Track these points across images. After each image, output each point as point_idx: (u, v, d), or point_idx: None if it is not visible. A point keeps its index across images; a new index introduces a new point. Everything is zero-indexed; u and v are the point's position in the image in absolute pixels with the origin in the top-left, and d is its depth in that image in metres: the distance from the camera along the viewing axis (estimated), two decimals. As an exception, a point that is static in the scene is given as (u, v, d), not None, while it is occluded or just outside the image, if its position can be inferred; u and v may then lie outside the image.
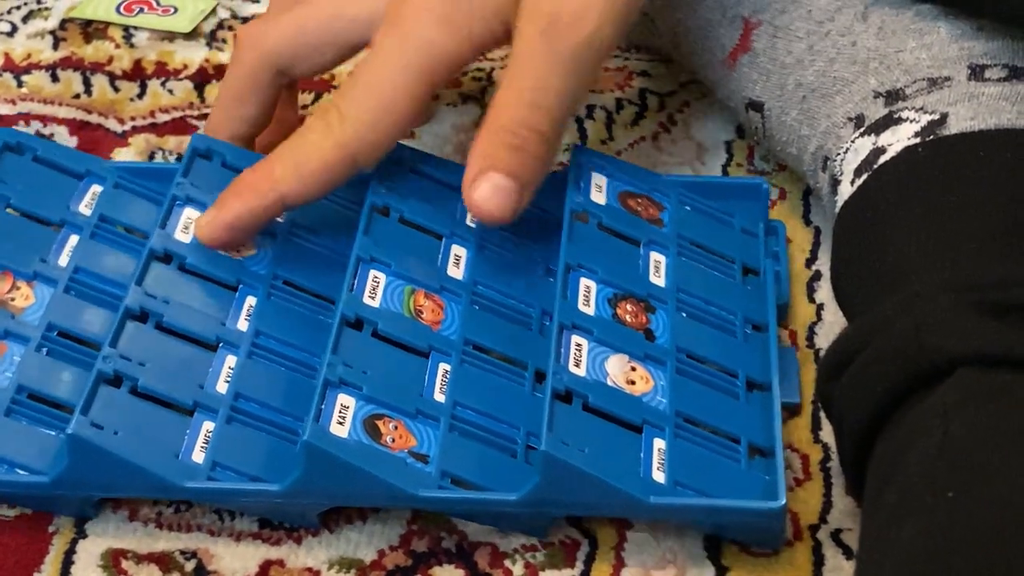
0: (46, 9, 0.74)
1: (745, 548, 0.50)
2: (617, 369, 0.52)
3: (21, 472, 0.51)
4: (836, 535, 0.51)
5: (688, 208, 0.59)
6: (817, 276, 0.59)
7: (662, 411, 0.51)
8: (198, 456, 0.50)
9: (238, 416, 0.51)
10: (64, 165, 0.60)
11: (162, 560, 0.51)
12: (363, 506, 0.51)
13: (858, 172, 0.53)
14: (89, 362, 0.53)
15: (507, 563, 0.50)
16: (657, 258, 0.56)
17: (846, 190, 0.54)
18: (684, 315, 0.55)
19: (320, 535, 0.51)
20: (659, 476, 0.49)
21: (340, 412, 0.50)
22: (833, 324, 0.56)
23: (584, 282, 0.54)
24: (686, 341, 0.54)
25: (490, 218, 0.53)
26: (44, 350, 0.54)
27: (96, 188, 0.60)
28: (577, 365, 0.51)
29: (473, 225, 0.58)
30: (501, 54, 0.70)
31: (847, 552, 0.50)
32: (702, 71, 0.63)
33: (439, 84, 0.55)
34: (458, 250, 0.57)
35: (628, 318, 0.54)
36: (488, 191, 0.53)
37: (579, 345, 0.52)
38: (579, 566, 0.50)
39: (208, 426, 0.51)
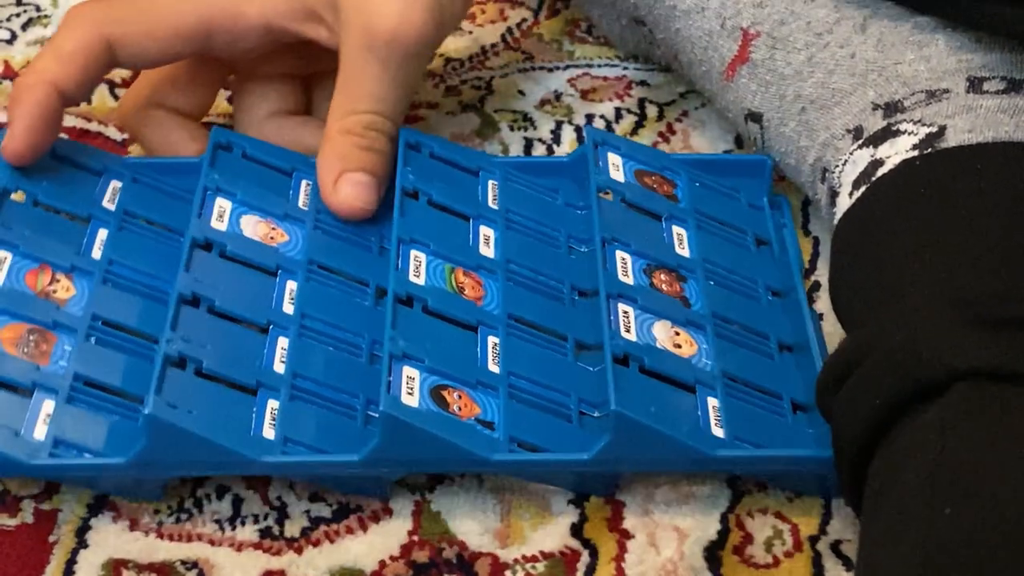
0: (45, 16, 0.74)
1: (745, 559, 0.51)
2: (663, 334, 0.54)
3: (88, 456, 0.51)
4: (836, 546, 0.51)
5: (698, 185, 0.61)
6: (816, 287, 0.60)
7: (710, 371, 0.53)
8: (268, 432, 0.51)
9: (299, 393, 0.52)
10: (83, 162, 0.60)
11: (163, 570, 0.50)
12: (436, 472, 0.53)
13: (856, 184, 0.53)
14: (136, 350, 0.54)
15: (508, 573, 0.50)
16: (679, 231, 0.59)
17: (844, 202, 0.54)
18: (712, 283, 0.57)
19: (321, 545, 0.51)
20: (718, 431, 0.51)
21: (407, 384, 0.51)
22: (832, 335, 0.56)
23: (620, 254, 0.57)
24: (718, 307, 0.56)
25: (355, 213, 0.58)
26: (92, 339, 0.54)
27: (116, 183, 0.60)
28: (628, 331, 0.53)
29: (497, 207, 0.60)
30: (500, 62, 0.72)
31: (847, 563, 0.51)
32: (701, 82, 0.63)
33: (216, 32, 0.59)
34: (486, 230, 0.58)
35: (664, 287, 0.56)
36: (351, 190, 0.58)
37: (626, 312, 0.54)
38: (579, 577, 0.51)
39: (273, 404, 0.52)
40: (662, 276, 0.57)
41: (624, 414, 0.49)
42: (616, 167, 0.61)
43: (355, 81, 0.58)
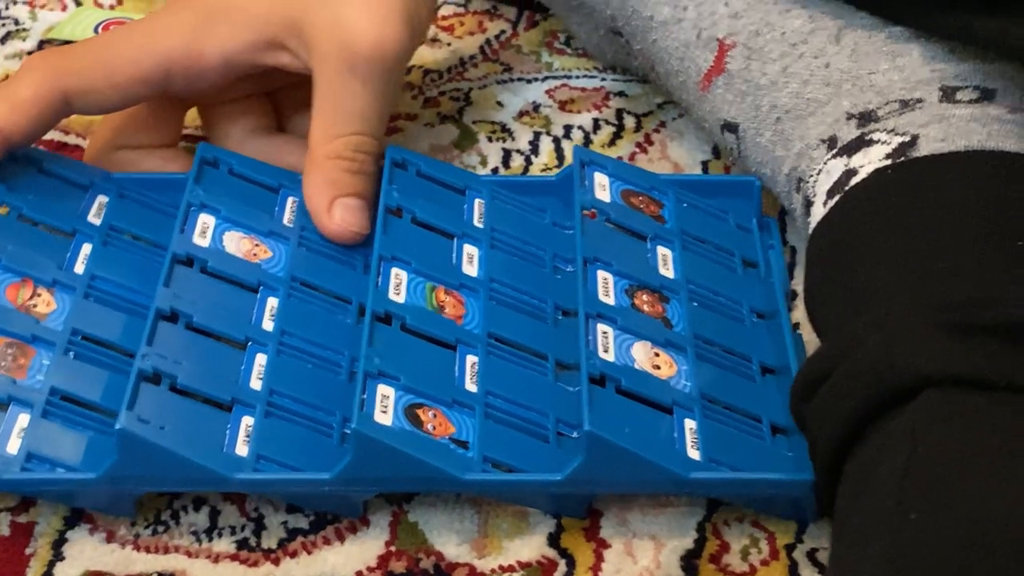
0: (24, 30, 0.74)
1: (722, 568, 0.51)
2: (642, 355, 0.54)
3: (61, 470, 0.51)
4: (812, 555, 0.51)
5: (685, 205, 0.61)
6: (792, 295, 0.60)
7: (688, 393, 0.53)
8: (241, 449, 0.51)
9: (275, 411, 0.52)
10: (70, 176, 0.61)
11: (140, 582, 0.51)
12: (409, 491, 0.52)
13: (830, 193, 0.54)
14: (115, 365, 0.54)
15: (485, 584, 0.51)
16: (664, 252, 0.59)
17: (819, 211, 0.54)
18: (696, 304, 0.57)
19: (298, 556, 0.51)
20: (694, 454, 0.51)
21: (382, 402, 0.51)
22: (808, 343, 0.56)
23: (601, 274, 0.56)
24: (701, 328, 0.56)
25: (352, 238, 0.58)
26: (71, 354, 0.54)
27: (102, 198, 0.60)
28: (606, 351, 0.53)
29: (482, 225, 0.59)
30: (479, 74, 0.72)
31: (823, 571, 0.51)
32: (678, 92, 0.63)
33: (175, 74, 0.59)
34: (470, 249, 0.58)
35: (646, 307, 0.56)
36: (347, 216, 0.58)
37: (605, 333, 0.54)
38: (557, 586, 0.51)
39: (248, 420, 0.52)
40: (644, 297, 0.56)
41: (597, 434, 0.49)
42: (603, 187, 0.60)
43: (336, 102, 0.58)
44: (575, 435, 0.52)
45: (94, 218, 0.59)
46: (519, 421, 0.52)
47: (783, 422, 0.53)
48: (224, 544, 0.52)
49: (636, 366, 0.53)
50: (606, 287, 0.56)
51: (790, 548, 0.51)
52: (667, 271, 0.58)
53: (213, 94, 0.61)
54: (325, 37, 0.57)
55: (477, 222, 0.60)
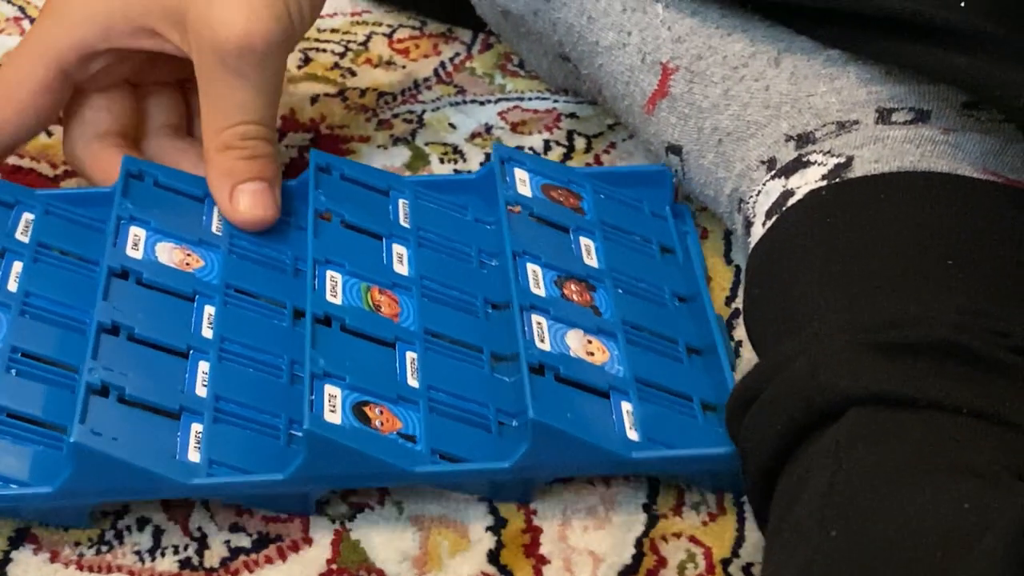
0: None
1: None
2: (576, 343, 0.56)
3: (14, 487, 0.51)
4: (747, 569, 0.52)
5: (603, 196, 0.63)
6: (736, 314, 0.61)
7: (623, 377, 0.55)
8: (193, 455, 0.52)
9: (222, 416, 0.53)
10: (-7, 195, 0.61)
11: (84, 602, 0.51)
12: (361, 487, 0.54)
13: (769, 214, 0.54)
14: (57, 380, 0.54)
15: (428, 602, 0.51)
16: (586, 242, 0.60)
17: (758, 231, 0.55)
18: (620, 291, 0.59)
19: (240, 575, 0.52)
20: (633, 435, 0.53)
21: (330, 402, 0.52)
22: (750, 361, 0.57)
23: (531, 267, 0.58)
24: (628, 314, 0.58)
25: (259, 222, 0.59)
26: (13, 371, 0.54)
27: (28, 216, 0.61)
28: (542, 341, 0.55)
29: (408, 225, 0.61)
30: (432, 96, 0.72)
31: None
32: (624, 115, 0.64)
33: (68, 70, 0.60)
34: (399, 248, 0.60)
35: (575, 297, 0.58)
36: (249, 200, 0.59)
37: (539, 323, 0.56)
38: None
39: (196, 427, 0.53)
40: (572, 287, 0.58)
41: (542, 422, 0.51)
42: (523, 182, 0.62)
43: (217, 96, 0.59)
44: (515, 423, 0.54)
45: (21, 236, 0.60)
46: (462, 413, 0.54)
47: (712, 399, 0.55)
48: (167, 563, 0.52)
49: (571, 354, 0.55)
50: (536, 279, 0.58)
51: (726, 563, 0.52)
52: (591, 261, 0.60)
53: (121, 72, 0.62)
54: (198, 30, 0.58)
55: (403, 222, 0.61)
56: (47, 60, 0.60)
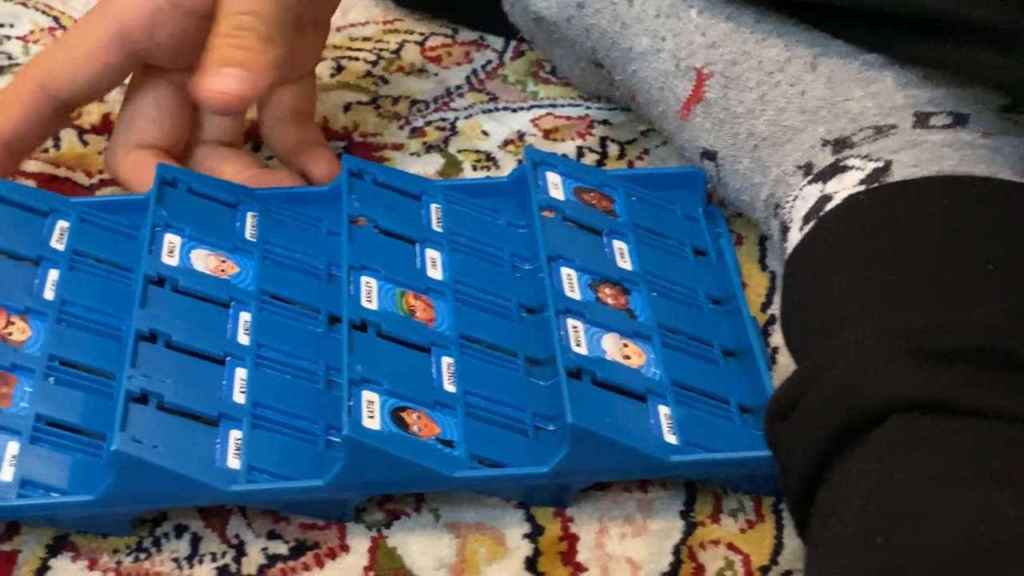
0: (16, 64, 0.74)
1: None
2: (612, 346, 0.56)
3: (55, 495, 0.52)
4: None
5: (635, 199, 0.63)
6: (772, 320, 0.61)
7: (659, 380, 0.55)
8: (233, 462, 0.52)
9: (261, 422, 0.53)
10: (28, 203, 0.61)
11: (121, 609, 0.51)
12: (400, 492, 0.54)
13: (806, 219, 0.54)
14: (95, 387, 0.55)
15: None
16: (620, 245, 0.61)
17: (795, 237, 0.54)
18: (655, 294, 0.59)
19: None
20: (671, 438, 0.53)
21: (368, 408, 0.52)
22: (787, 367, 0.56)
23: (565, 271, 0.58)
24: (663, 317, 0.58)
25: (223, 101, 0.58)
26: (51, 379, 0.55)
27: (63, 223, 0.61)
28: (578, 345, 0.55)
29: (441, 229, 0.61)
30: (465, 104, 0.72)
31: None
32: (658, 121, 0.64)
33: (131, 31, 0.61)
34: (432, 253, 0.60)
35: (610, 300, 0.58)
36: (217, 81, 0.58)
37: (575, 327, 0.56)
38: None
39: (236, 434, 0.53)
40: (607, 290, 0.58)
41: (580, 426, 0.51)
42: (556, 185, 0.62)
43: (227, 3, 0.59)
44: (551, 428, 0.54)
45: (57, 243, 0.60)
46: (499, 417, 0.54)
47: (749, 402, 0.55)
48: (205, 570, 0.52)
49: (608, 357, 0.55)
50: (571, 283, 0.58)
51: (765, 570, 0.52)
52: (625, 264, 0.60)
53: (184, 52, 0.62)
54: None
55: (436, 226, 0.61)
56: (108, 19, 0.61)
